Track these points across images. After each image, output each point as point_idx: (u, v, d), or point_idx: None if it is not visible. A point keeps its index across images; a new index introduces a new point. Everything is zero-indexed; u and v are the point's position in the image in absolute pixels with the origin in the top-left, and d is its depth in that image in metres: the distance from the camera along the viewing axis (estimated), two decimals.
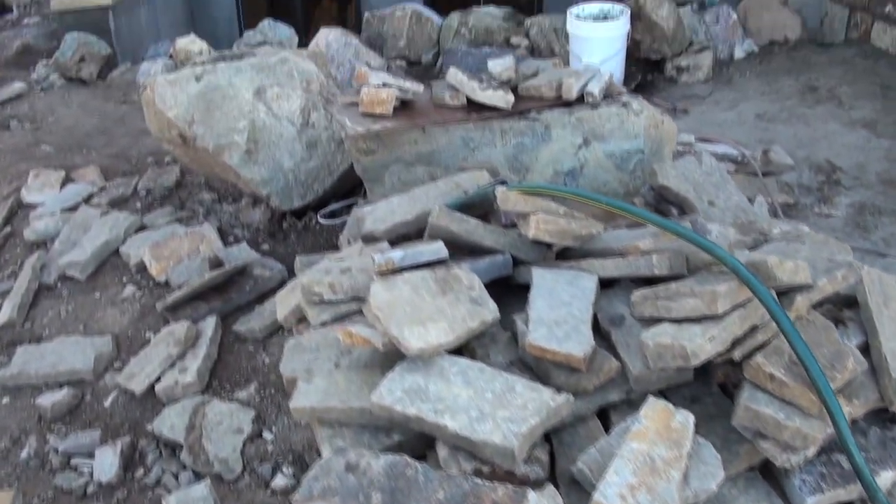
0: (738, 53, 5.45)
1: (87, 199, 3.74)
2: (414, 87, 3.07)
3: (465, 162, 2.95)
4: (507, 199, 2.13)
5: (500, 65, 3.23)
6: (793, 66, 5.18)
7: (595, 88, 3.15)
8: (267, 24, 5.59)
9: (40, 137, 4.75)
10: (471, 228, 2.16)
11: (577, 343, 1.78)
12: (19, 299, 2.99)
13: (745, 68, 5.34)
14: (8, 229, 3.66)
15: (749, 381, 1.78)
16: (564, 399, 1.65)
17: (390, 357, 1.82)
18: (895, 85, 4.58)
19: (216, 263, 2.96)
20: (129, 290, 3.01)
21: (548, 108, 3.10)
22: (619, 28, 5.02)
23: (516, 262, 2.18)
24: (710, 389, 1.94)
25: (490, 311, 1.86)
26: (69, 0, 6.51)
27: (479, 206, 2.43)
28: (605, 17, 5.20)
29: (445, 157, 3.04)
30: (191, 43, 5.51)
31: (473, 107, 3.07)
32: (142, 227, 3.33)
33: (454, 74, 3.13)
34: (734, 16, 5.52)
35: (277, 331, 2.70)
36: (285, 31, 5.63)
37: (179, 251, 3.05)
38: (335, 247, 3.25)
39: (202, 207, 3.48)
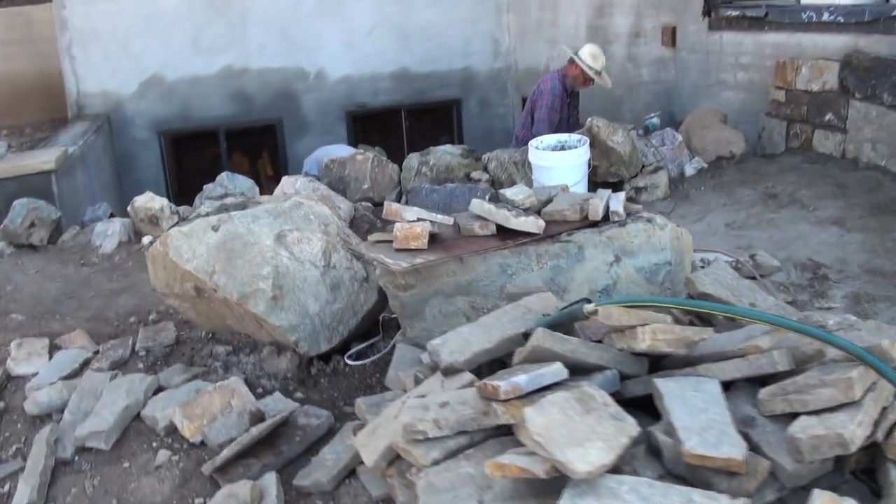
0: (689, 171, 5.79)
1: (84, 365, 3.49)
2: (444, 219, 3.09)
3: (508, 288, 2.94)
4: (610, 315, 2.13)
5: (521, 193, 3.31)
6: (745, 177, 5.53)
7: (619, 207, 3.26)
8: (225, 177, 5.58)
9: (5, 307, 4.45)
10: (573, 347, 2.14)
11: (732, 447, 1.75)
12: (37, 479, 2.70)
13: (698, 183, 5.66)
14: (1, 404, 3.35)
15: (892, 460, 1.80)
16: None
17: (542, 486, 1.73)
18: (850, 183, 4.95)
19: (258, 417, 2.78)
20: (163, 455, 2.77)
21: (576, 229, 3.17)
22: (581, 156, 5.26)
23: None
24: (843, 477, 1.93)
25: (631, 425, 1.81)
26: (10, 167, 6.35)
27: (559, 326, 2.41)
28: (562, 147, 5.45)
29: (484, 285, 3.03)
30: (150, 201, 5.41)
31: (503, 234, 3.10)
32: (159, 388, 3.11)
33: (480, 205, 3.17)
34: (679, 137, 5.90)
35: (345, 480, 2.52)
36: (245, 182, 5.62)
37: (211, 408, 2.85)
38: (371, 388, 3.13)
39: (217, 361, 3.30)
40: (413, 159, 5.73)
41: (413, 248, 2.96)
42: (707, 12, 6.55)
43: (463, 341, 2.46)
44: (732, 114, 6.28)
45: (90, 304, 4.50)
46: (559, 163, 5.23)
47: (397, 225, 3.01)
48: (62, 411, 3.16)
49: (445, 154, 5.71)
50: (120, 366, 3.47)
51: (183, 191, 10.17)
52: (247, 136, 10.10)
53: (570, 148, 5.42)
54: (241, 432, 2.75)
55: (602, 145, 5.47)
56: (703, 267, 3.59)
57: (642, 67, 7.47)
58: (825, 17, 5.54)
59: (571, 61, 6.67)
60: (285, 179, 5.29)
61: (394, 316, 3.52)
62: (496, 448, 1.97)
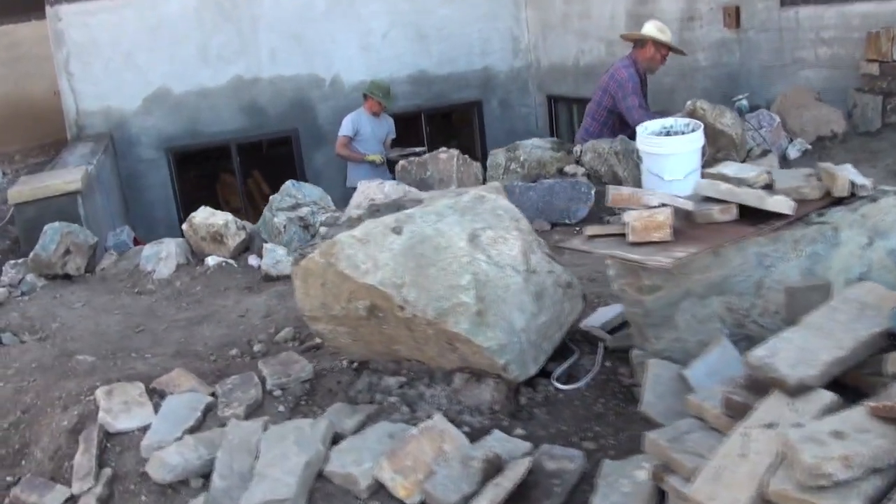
0: (793, 153, 5.31)
1: (207, 413, 2.83)
2: (685, 203, 2.52)
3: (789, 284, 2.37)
4: None
5: (748, 170, 2.77)
6: (857, 156, 5.06)
7: (864, 180, 2.73)
8: (291, 185, 4.92)
9: (64, 347, 3.75)
10: None
11: None
12: None
13: (807, 166, 5.16)
14: (108, 472, 2.66)
15: None
16: None
17: None
18: None
19: (494, 465, 2.16)
20: None
21: (823, 208, 2.63)
22: (697, 141, 4.74)
23: None
24: None
25: None
26: (29, 190, 5.61)
27: None
28: (667, 133, 4.93)
29: (738, 281, 2.47)
30: (210, 216, 4.73)
31: (747, 220, 2.55)
32: (336, 436, 2.47)
33: (713, 185, 2.61)
34: (776, 118, 5.43)
35: None
36: (314, 191, 4.98)
37: (422, 457, 2.23)
38: (601, 416, 2.54)
39: (391, 396, 2.66)
40: (499, 155, 5.15)
41: (656, 240, 2.39)
42: None
43: (799, 350, 1.90)
44: (813, 93, 5.82)
45: (167, 337, 3.82)
46: (676, 149, 4.70)
47: (632, 213, 2.44)
48: (204, 475, 2.50)
49: (535, 148, 5.14)
50: (256, 410, 2.81)
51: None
52: (261, 150, 9.44)
53: (676, 134, 4.89)
54: (474, 486, 2.13)
55: (709, 129, 4.96)
56: None
57: (698, 52, 7.00)
58: None
59: (640, 44, 6.17)
60: (370, 185, 4.66)
61: (582, 328, 2.94)
62: None
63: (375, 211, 2.80)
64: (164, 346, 3.72)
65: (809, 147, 5.35)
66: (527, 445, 2.30)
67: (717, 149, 4.99)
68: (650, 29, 6.08)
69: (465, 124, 10.47)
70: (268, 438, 2.45)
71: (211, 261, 4.60)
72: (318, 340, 3.44)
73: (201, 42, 8.47)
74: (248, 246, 4.82)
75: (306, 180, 9.32)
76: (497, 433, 2.35)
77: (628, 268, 2.39)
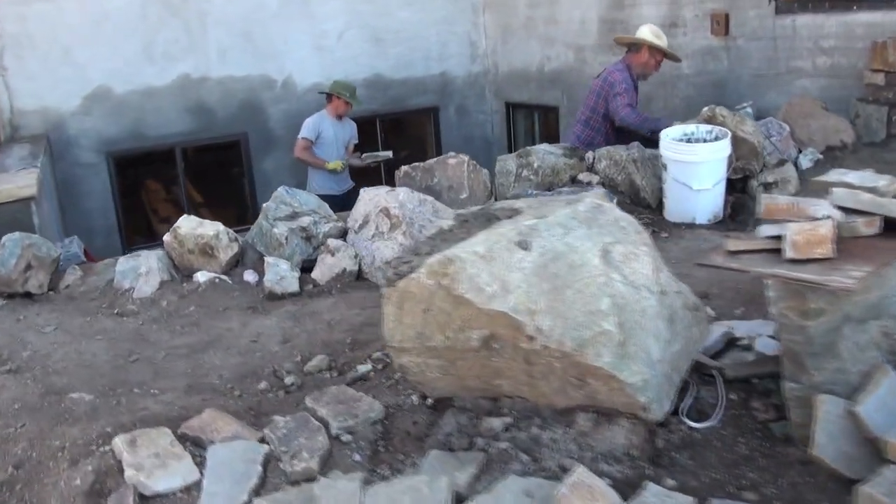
0: (805, 163, 5.17)
1: (266, 466, 2.35)
2: (835, 213, 2.23)
3: None
4: None
5: (874, 179, 2.51)
6: (872, 167, 4.95)
7: None
8: (285, 192, 4.43)
9: (49, 383, 3.16)
10: None
11: None
12: None
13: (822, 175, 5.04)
14: None
15: None
16: None
17: None
18: None
19: None
20: None
21: None
22: (726, 148, 4.53)
23: None
24: None
25: None
26: None
27: None
28: (688, 139, 4.70)
29: (891, 303, 2.19)
30: (199, 226, 4.19)
31: (891, 233, 2.28)
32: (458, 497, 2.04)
33: (852, 196, 2.33)
34: (786, 127, 5.28)
35: None
36: (309, 199, 4.50)
37: None
38: (747, 459, 2.21)
39: (500, 441, 2.25)
40: (509, 162, 4.79)
41: (818, 256, 2.08)
42: None
43: None
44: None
45: (170, 367, 3.29)
46: (706, 156, 4.47)
47: (792, 227, 2.12)
48: None
49: (548, 154, 4.81)
50: (328, 461, 2.35)
51: (135, 222, 8.73)
52: (207, 155, 8.79)
53: (697, 141, 4.67)
54: None
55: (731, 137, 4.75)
56: None
57: (675, 61, 6.82)
58: None
59: (634, 49, 5.97)
60: (370, 192, 4.22)
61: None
62: None
63: (464, 221, 2.39)
64: (169, 378, 3.18)
65: (821, 157, 5.23)
66: (689, 500, 1.94)
67: (737, 157, 4.79)
68: (646, 33, 5.88)
69: (420, 131, 10.11)
70: (374, 502, 2.00)
71: (201, 277, 4.06)
72: (361, 370, 3.01)
73: (146, 38, 7.80)
74: (240, 259, 4.30)
75: (254, 187, 8.79)
76: (652, 487, 1.98)
77: (791, 289, 2.08)
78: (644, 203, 4.78)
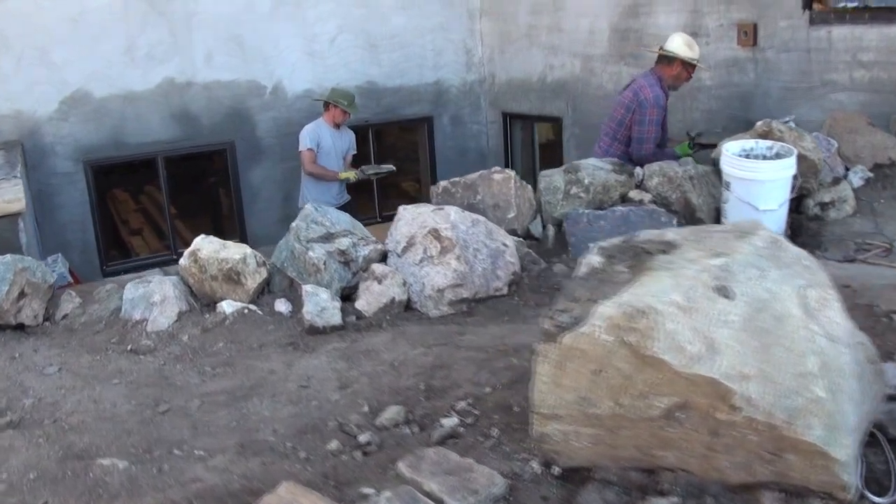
0: (856, 181, 4.89)
1: None
2: None
3: None
4: None
5: None
6: None
7: None
8: (314, 210, 3.97)
9: (65, 441, 2.66)
10: None
11: None
12: None
13: (873, 195, 4.78)
14: None
15: None
16: None
17: None
18: None
19: None
20: None
21: None
22: (792, 167, 4.21)
23: None
24: None
25: None
26: None
27: None
28: (746, 155, 4.38)
29: None
30: (221, 249, 3.70)
31: None
32: None
33: None
34: (834, 143, 5.00)
35: None
36: (342, 217, 4.05)
37: None
38: None
39: None
40: (556, 177, 4.39)
41: None
42: (808, 4, 5.75)
43: None
44: None
45: (210, 420, 2.80)
46: (772, 175, 4.14)
47: None
48: None
49: (597, 170, 4.43)
50: None
51: (115, 237, 8.14)
52: (191, 165, 8.24)
53: (757, 157, 4.34)
54: None
55: None
56: None
57: (702, 71, 6.54)
58: None
59: (666, 60, 5.65)
60: (413, 211, 3.79)
61: None
62: None
63: (610, 257, 1.98)
64: (213, 435, 2.70)
65: (871, 175, 4.96)
66: None
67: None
68: (679, 46, 5.56)
69: (413, 141, 9.69)
70: None
71: (227, 307, 3.57)
72: (447, 425, 2.57)
73: (128, 38, 7.25)
74: (266, 286, 3.82)
75: (241, 199, 8.26)
76: None
77: None
78: (700, 223, 4.43)
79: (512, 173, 4.21)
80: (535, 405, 1.90)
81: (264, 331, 3.46)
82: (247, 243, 8.26)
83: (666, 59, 5.65)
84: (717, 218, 4.48)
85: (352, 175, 6.63)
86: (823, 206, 4.56)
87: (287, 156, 8.37)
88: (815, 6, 5.73)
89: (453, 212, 3.73)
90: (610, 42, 7.56)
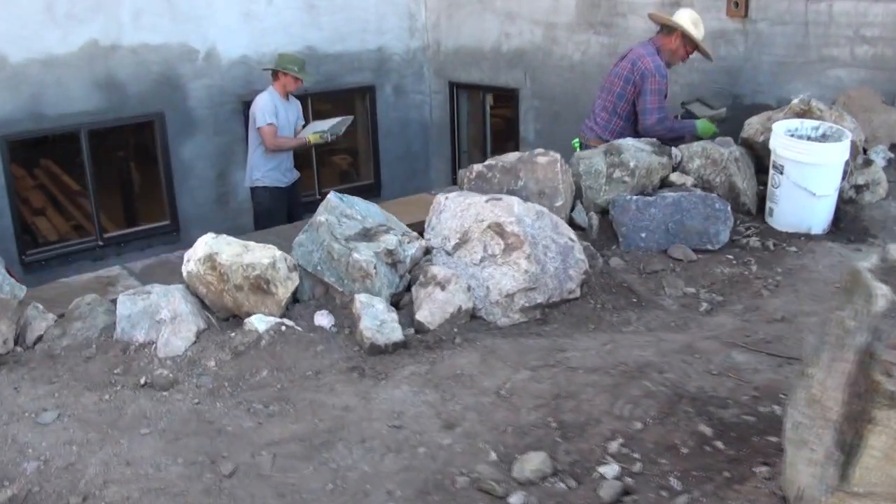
0: (880, 162, 4.71)
1: None
2: None
3: None
4: None
5: None
6: None
7: None
8: (339, 200, 3.37)
9: None
10: None
11: None
12: None
13: None
14: None
15: None
16: None
17: None
18: None
19: None
20: None
21: None
22: (847, 149, 3.94)
23: None
24: None
25: None
26: None
27: None
28: (790, 136, 4.09)
29: None
30: (244, 252, 3.04)
31: None
32: None
33: None
34: (854, 123, 4.80)
35: None
36: (371, 208, 3.47)
37: None
38: None
39: None
40: (596, 160, 3.95)
41: None
42: None
43: None
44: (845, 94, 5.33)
45: (298, 483, 2.24)
46: (830, 158, 3.86)
47: None
48: None
49: (640, 152, 4.02)
50: None
51: (35, 225, 7.10)
52: (118, 138, 7.28)
53: (802, 138, 4.06)
54: None
55: None
56: None
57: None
58: None
59: (667, 31, 5.34)
60: (462, 200, 3.26)
61: None
62: None
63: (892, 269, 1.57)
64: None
65: (893, 155, 4.80)
66: None
67: None
68: (684, 18, 5.25)
69: (354, 111, 9.01)
70: None
71: (259, 323, 2.93)
72: (609, 474, 2.11)
73: None
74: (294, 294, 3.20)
75: (172, 177, 7.39)
76: None
77: None
78: (744, 209, 4.14)
79: (558, 156, 3.73)
80: (851, 482, 1.47)
81: (313, 353, 2.86)
82: (178, 225, 7.50)
83: (667, 28, 5.34)
84: (761, 203, 4.19)
85: (318, 137, 6.02)
86: (858, 188, 4.35)
87: (221, 129, 7.57)
88: None
89: (516, 203, 3.22)
90: (578, 9, 7.16)
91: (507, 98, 8.25)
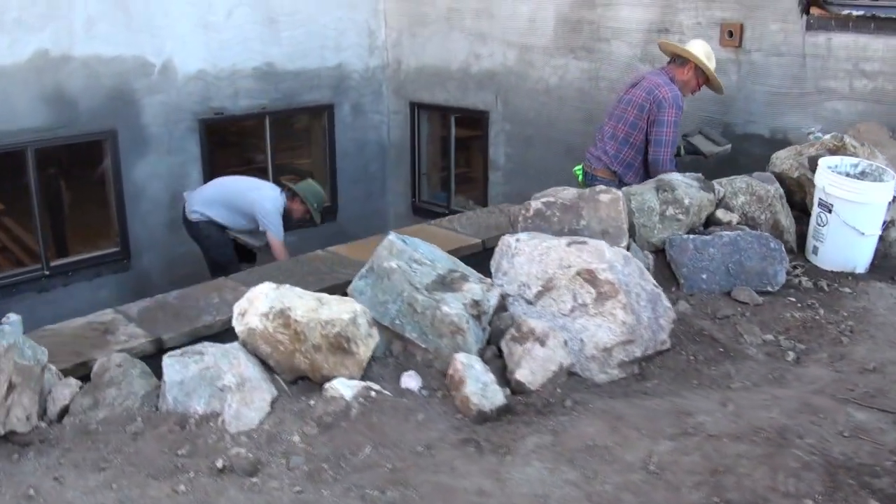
0: None
1: None
2: None
3: None
4: None
5: None
6: None
7: None
8: (401, 242, 3.03)
9: None
10: None
11: None
12: None
13: None
14: None
15: None
16: None
17: None
18: None
19: None
20: None
21: None
22: (893, 188, 3.90)
23: None
24: None
25: None
26: None
27: None
28: (832, 172, 4.03)
29: None
30: (319, 306, 2.66)
31: None
32: None
33: None
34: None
35: None
36: (434, 251, 3.14)
37: None
38: None
39: None
40: (648, 196, 3.73)
41: None
42: (806, 9, 5.57)
43: None
44: (841, 127, 5.39)
45: None
46: (879, 197, 3.80)
47: None
48: None
49: (689, 187, 3.84)
50: None
51: None
52: (67, 158, 6.61)
53: (841, 174, 4.00)
54: None
55: None
56: None
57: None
58: None
59: (680, 61, 5.27)
60: (531, 242, 2.98)
61: None
62: None
63: None
64: None
65: None
66: None
67: None
68: (698, 50, 5.20)
69: (311, 131, 8.61)
70: None
71: (344, 389, 2.55)
72: None
73: None
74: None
75: (123, 199, 6.79)
76: None
77: None
78: (787, 247, 4.03)
79: (619, 194, 3.51)
80: None
81: (415, 423, 2.50)
82: (128, 252, 6.87)
83: (680, 59, 5.27)
84: (801, 241, 4.11)
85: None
86: (886, 224, 4.34)
87: (175, 148, 7.04)
88: (814, 11, 5.54)
89: (606, 248, 2.97)
90: (556, 33, 7.02)
91: (475, 121, 8.03)
